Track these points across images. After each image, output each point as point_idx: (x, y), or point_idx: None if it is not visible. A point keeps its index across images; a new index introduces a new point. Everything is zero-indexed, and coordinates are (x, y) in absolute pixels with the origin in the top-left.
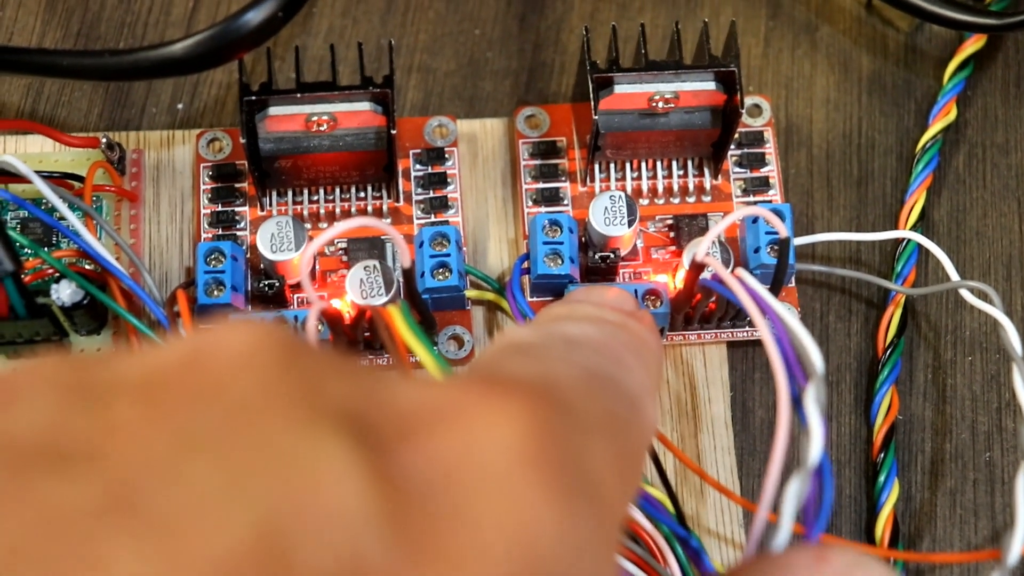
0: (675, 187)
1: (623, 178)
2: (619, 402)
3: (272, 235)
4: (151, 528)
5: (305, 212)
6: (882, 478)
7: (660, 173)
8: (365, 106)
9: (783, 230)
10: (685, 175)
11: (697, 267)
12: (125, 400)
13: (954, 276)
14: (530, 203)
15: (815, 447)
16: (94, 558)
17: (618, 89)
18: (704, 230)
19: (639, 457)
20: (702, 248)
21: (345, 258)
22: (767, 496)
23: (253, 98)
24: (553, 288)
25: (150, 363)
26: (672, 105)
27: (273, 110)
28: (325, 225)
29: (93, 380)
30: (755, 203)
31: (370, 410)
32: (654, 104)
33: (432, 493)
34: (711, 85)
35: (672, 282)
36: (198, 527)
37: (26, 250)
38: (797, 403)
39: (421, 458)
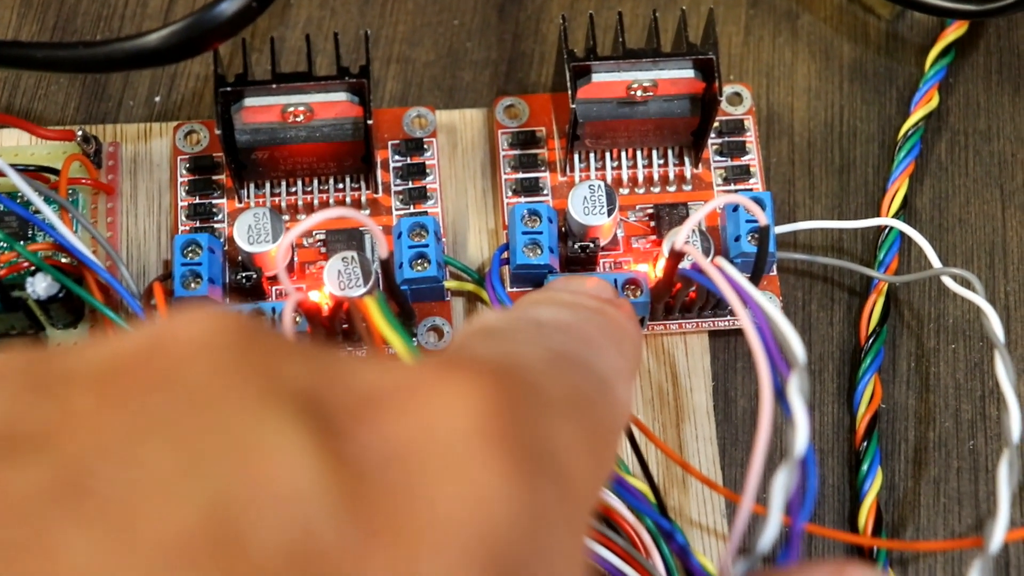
0: (655, 176)
1: (603, 167)
2: (587, 381)
3: (249, 227)
4: (101, 512)
5: (283, 204)
6: (865, 467)
7: (640, 162)
8: (342, 96)
9: (763, 218)
10: (665, 164)
11: (676, 256)
12: (81, 388)
13: (936, 263)
14: (510, 193)
15: (800, 438)
16: (44, 543)
17: (596, 78)
18: (684, 219)
19: (609, 437)
20: (681, 236)
21: (323, 250)
22: (750, 487)
23: (228, 89)
24: (533, 278)
25: (108, 352)
26: (651, 94)
27: (249, 101)
28: (303, 217)
29: (51, 370)
30: (736, 192)
31: (325, 390)
32: (632, 92)
33: (386, 471)
34: (690, 73)
35: (652, 271)
36: (148, 510)
37: (1, 243)
38: (780, 394)
39: (376, 437)
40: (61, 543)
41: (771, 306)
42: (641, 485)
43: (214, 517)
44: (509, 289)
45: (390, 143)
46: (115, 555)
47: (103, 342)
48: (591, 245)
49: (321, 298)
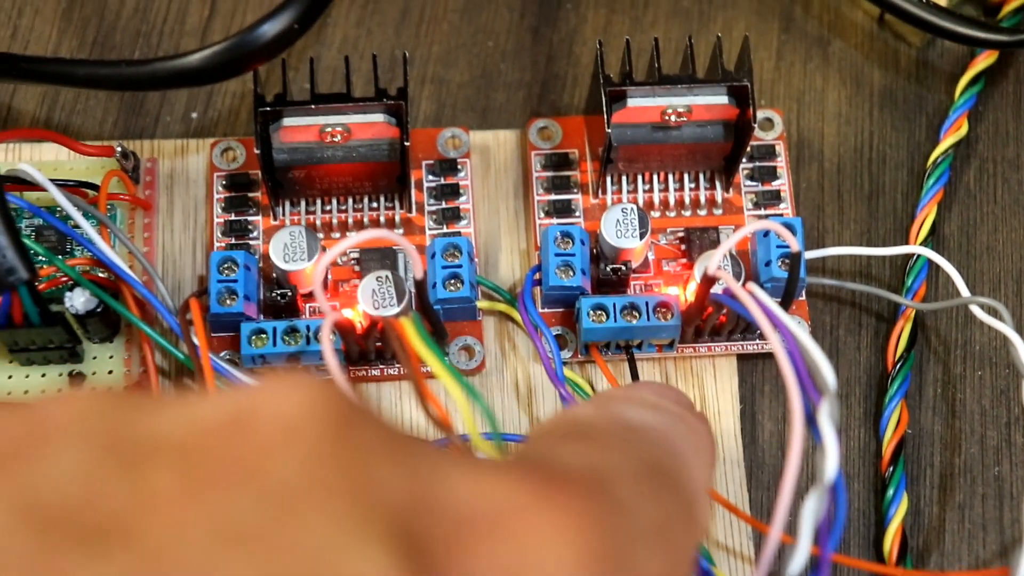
0: (687, 200)
1: (635, 190)
2: (675, 503)
3: (285, 245)
4: None
5: (318, 222)
6: (891, 492)
7: (672, 186)
8: (379, 117)
9: (794, 244)
10: (697, 188)
11: (708, 280)
12: (163, 467)
13: (964, 292)
14: (542, 215)
15: (831, 464)
16: None
17: (631, 102)
18: (715, 243)
19: (689, 563)
20: (714, 262)
21: (357, 268)
22: (780, 515)
23: (267, 109)
24: (564, 299)
25: (190, 421)
26: (685, 119)
27: (287, 121)
28: (338, 235)
29: (129, 436)
30: (766, 216)
31: (419, 513)
32: (667, 118)
33: None
34: (724, 99)
35: (683, 295)
36: None
37: (40, 258)
38: (810, 419)
39: (467, 572)
40: None
41: (802, 332)
42: None
43: None
44: (541, 310)
45: (424, 163)
46: None
47: (184, 405)
48: (623, 268)
49: (355, 316)
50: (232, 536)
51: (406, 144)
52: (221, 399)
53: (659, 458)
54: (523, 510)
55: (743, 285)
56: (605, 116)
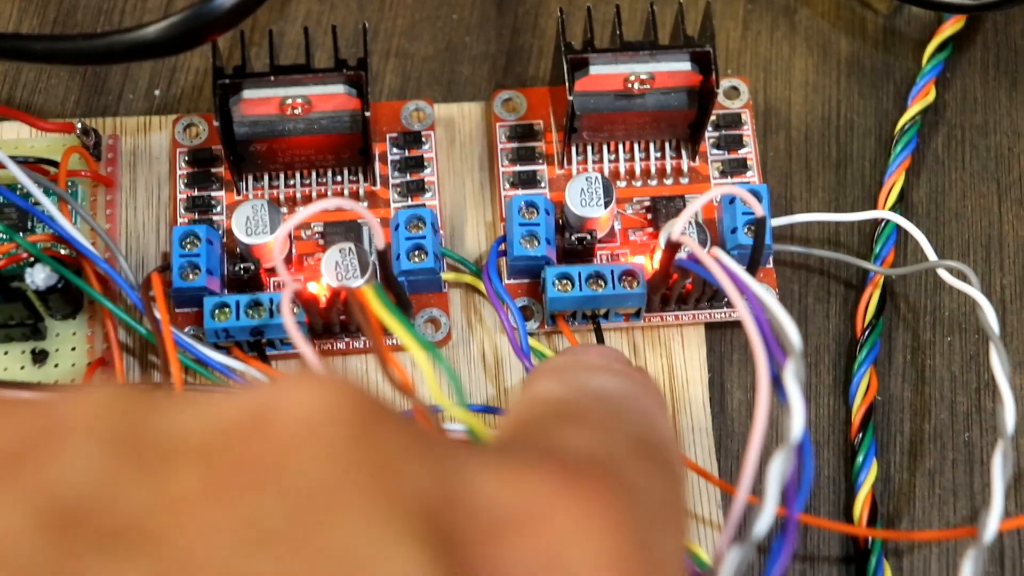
0: (652, 169)
1: (600, 160)
2: (668, 470)
3: (247, 218)
4: None
5: (281, 196)
6: (860, 459)
7: (637, 155)
8: (339, 89)
9: (759, 209)
10: (663, 157)
11: (673, 246)
12: (184, 467)
13: (932, 257)
14: (507, 186)
15: (796, 424)
16: None
17: (593, 70)
18: (681, 212)
19: (686, 524)
20: (677, 227)
21: (321, 242)
22: (747, 472)
23: (227, 81)
24: (530, 270)
25: (209, 420)
26: (648, 86)
27: (247, 93)
28: (301, 209)
29: (148, 435)
30: (733, 185)
31: (448, 509)
32: (630, 85)
33: None
34: (687, 66)
35: (649, 264)
36: None
37: (0, 235)
38: (776, 381)
39: (499, 570)
40: None
41: (767, 294)
42: None
43: None
44: (506, 281)
45: (388, 136)
46: None
47: (203, 403)
48: (588, 237)
49: (319, 290)
50: (260, 537)
51: (367, 115)
52: (240, 398)
53: (641, 428)
54: (548, 507)
55: (708, 251)
56: (567, 84)
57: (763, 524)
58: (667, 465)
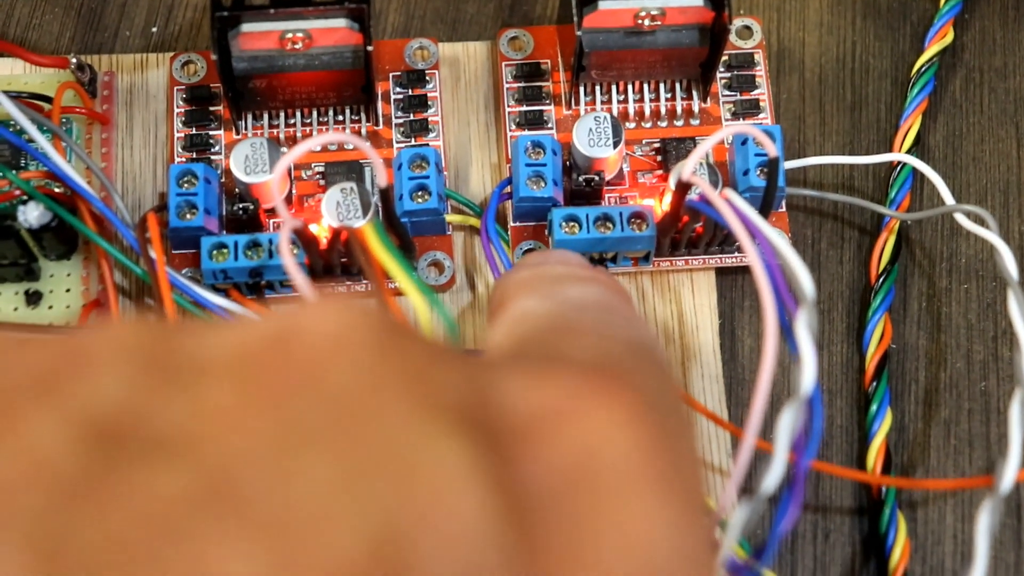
0: (662, 110)
1: (609, 100)
2: (660, 369)
3: (246, 157)
4: (261, 528)
5: (281, 135)
6: (874, 408)
7: (648, 96)
8: (341, 23)
9: (772, 149)
10: (673, 98)
11: (683, 187)
12: (216, 380)
13: (950, 200)
14: (513, 127)
15: (808, 375)
16: (204, 557)
17: (602, 5)
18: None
19: (687, 413)
20: (688, 167)
21: (322, 182)
22: (754, 421)
23: (225, 14)
24: (536, 212)
25: (236, 339)
26: (658, 23)
27: (246, 27)
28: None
29: (177, 353)
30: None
31: (484, 406)
32: (640, 21)
33: (552, 505)
34: (699, 1)
35: (659, 206)
36: (311, 530)
37: None
38: (787, 330)
39: (539, 465)
40: (220, 560)
41: (780, 239)
42: None
43: (381, 548)
44: (512, 224)
45: (391, 75)
46: None
47: (226, 328)
48: (596, 178)
49: (320, 231)
50: (302, 438)
51: (369, 50)
52: (263, 322)
53: (629, 331)
54: (577, 403)
55: (720, 192)
56: (576, 20)
57: (772, 479)
58: (661, 365)
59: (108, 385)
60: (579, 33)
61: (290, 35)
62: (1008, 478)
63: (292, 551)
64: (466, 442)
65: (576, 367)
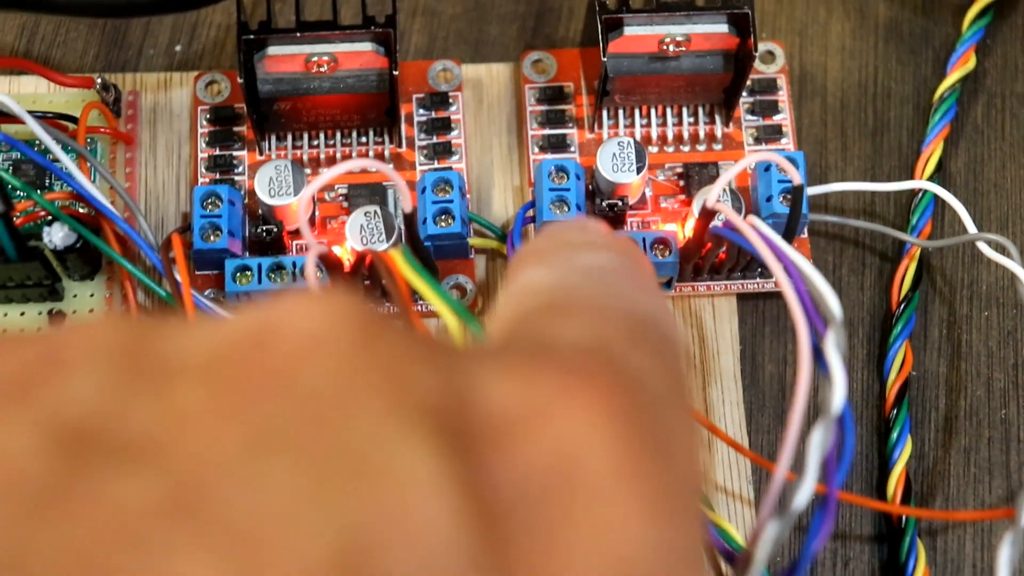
0: (685, 135)
1: (632, 125)
2: (666, 344)
3: (271, 179)
4: (226, 537)
5: (305, 157)
6: (895, 435)
7: (670, 120)
8: (367, 47)
9: (796, 177)
10: (696, 122)
11: (707, 214)
12: (189, 382)
13: (971, 228)
14: (536, 150)
15: (838, 394)
16: (164, 569)
17: (628, 31)
18: (714, 179)
19: (692, 401)
20: (713, 194)
21: (345, 204)
22: (788, 445)
23: (251, 37)
24: None
25: (213, 339)
26: (683, 48)
27: (272, 50)
28: (325, 170)
29: (152, 354)
30: (767, 152)
31: (458, 408)
32: (665, 47)
33: (524, 510)
34: (724, 28)
35: (681, 231)
36: (277, 538)
37: (18, 192)
38: (816, 351)
39: (511, 469)
40: (175, 568)
41: (806, 262)
42: None
43: (346, 554)
44: None
45: (415, 97)
46: None
47: (205, 325)
48: (619, 203)
49: (343, 254)
50: (270, 441)
51: (395, 74)
52: (242, 317)
53: (633, 302)
54: (552, 405)
55: (743, 218)
56: (601, 45)
57: (803, 497)
58: (665, 340)
59: (80, 388)
60: (604, 59)
61: (316, 58)
62: None
63: (255, 560)
64: (437, 446)
65: (559, 361)
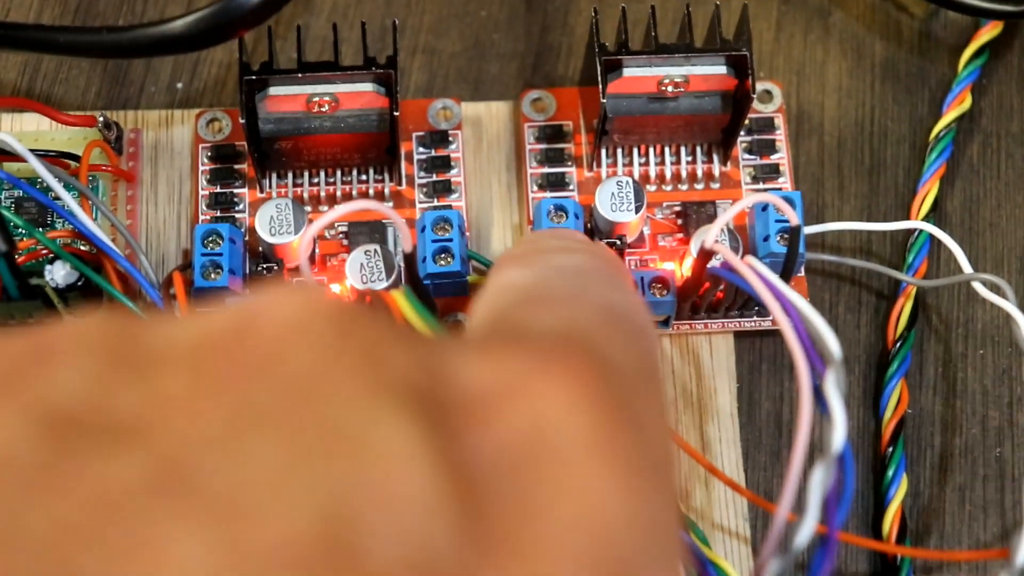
0: (683, 173)
1: (630, 163)
2: (638, 332)
3: (271, 218)
4: (209, 509)
5: (305, 195)
6: (890, 473)
7: (668, 159)
8: (368, 87)
9: (794, 217)
10: (694, 161)
11: (705, 255)
12: (173, 369)
13: (967, 268)
14: (535, 188)
15: (838, 434)
16: (150, 539)
17: (627, 72)
18: (712, 217)
19: (661, 381)
20: (711, 235)
21: (345, 242)
22: (790, 485)
23: (253, 77)
24: None
25: (197, 329)
26: (682, 89)
27: (273, 90)
28: (325, 208)
29: (137, 345)
30: (765, 191)
31: (434, 386)
32: (663, 88)
33: (499, 479)
34: (722, 69)
35: (679, 270)
36: (260, 510)
37: (20, 230)
38: (815, 391)
39: (488, 441)
40: (167, 540)
41: (804, 302)
42: None
43: (328, 524)
44: None
45: (415, 135)
46: (225, 557)
47: (189, 318)
48: (618, 242)
49: (342, 291)
50: (251, 420)
51: (395, 114)
52: (224, 310)
53: (607, 296)
54: (530, 380)
55: (741, 259)
56: (600, 86)
57: (804, 535)
58: (638, 330)
59: (68, 378)
60: (603, 100)
61: (317, 98)
62: (1023, 550)
63: (239, 530)
64: (415, 420)
65: (535, 342)
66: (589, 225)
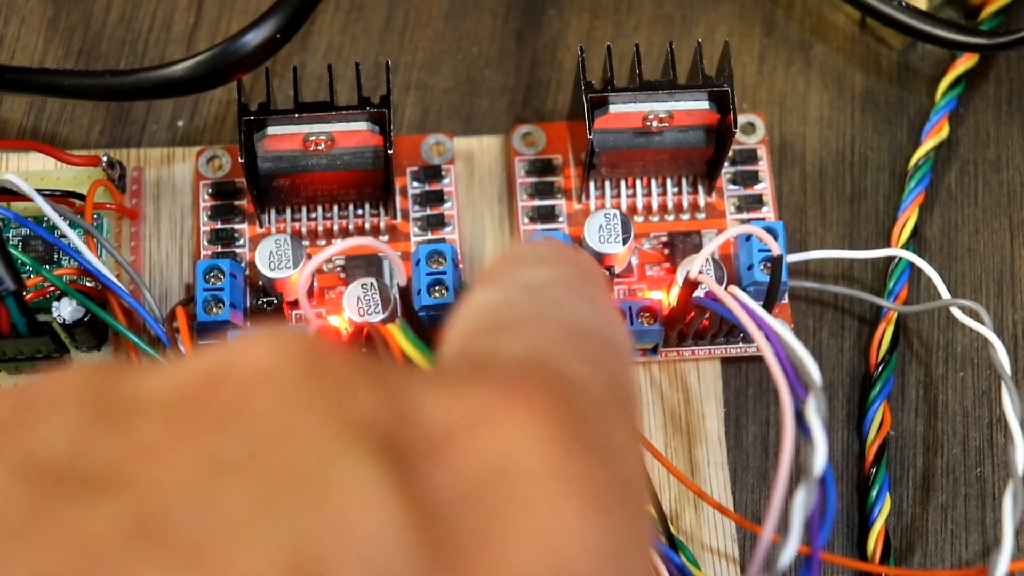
0: (669, 204)
1: (618, 195)
2: (609, 352)
3: (271, 253)
4: (182, 555)
5: (303, 229)
6: (874, 493)
7: (655, 191)
8: (362, 125)
9: (775, 248)
10: (679, 193)
11: (691, 285)
12: (148, 419)
13: (945, 294)
14: (526, 220)
15: (820, 457)
16: None
17: (613, 108)
18: (698, 247)
19: (636, 406)
20: (695, 266)
21: (343, 275)
22: (774, 509)
23: (251, 118)
24: None
25: (172, 379)
26: (666, 124)
27: (271, 130)
28: (323, 242)
29: (115, 397)
30: (748, 220)
31: (398, 423)
32: (648, 123)
33: (461, 515)
34: (705, 104)
35: (666, 299)
36: (229, 553)
37: (27, 268)
38: (798, 415)
39: (451, 476)
40: None
41: (786, 331)
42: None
43: (294, 561)
44: None
45: (408, 170)
46: None
47: (166, 367)
48: (606, 272)
49: (340, 323)
50: (221, 467)
51: (390, 152)
52: (199, 358)
53: (577, 313)
54: (492, 413)
55: (725, 289)
56: (587, 122)
57: (787, 556)
58: (607, 346)
59: (49, 432)
60: (591, 136)
61: (313, 137)
62: (1001, 569)
63: (210, 573)
64: (377, 459)
65: (496, 374)
66: None
